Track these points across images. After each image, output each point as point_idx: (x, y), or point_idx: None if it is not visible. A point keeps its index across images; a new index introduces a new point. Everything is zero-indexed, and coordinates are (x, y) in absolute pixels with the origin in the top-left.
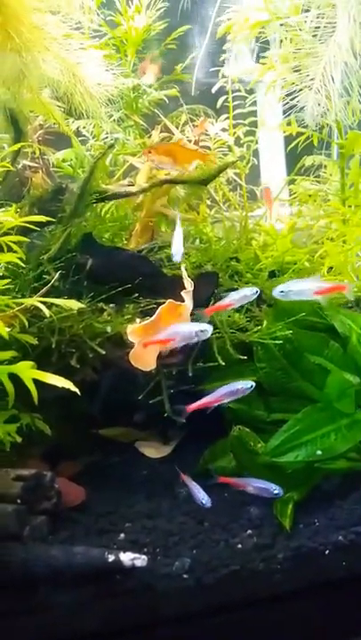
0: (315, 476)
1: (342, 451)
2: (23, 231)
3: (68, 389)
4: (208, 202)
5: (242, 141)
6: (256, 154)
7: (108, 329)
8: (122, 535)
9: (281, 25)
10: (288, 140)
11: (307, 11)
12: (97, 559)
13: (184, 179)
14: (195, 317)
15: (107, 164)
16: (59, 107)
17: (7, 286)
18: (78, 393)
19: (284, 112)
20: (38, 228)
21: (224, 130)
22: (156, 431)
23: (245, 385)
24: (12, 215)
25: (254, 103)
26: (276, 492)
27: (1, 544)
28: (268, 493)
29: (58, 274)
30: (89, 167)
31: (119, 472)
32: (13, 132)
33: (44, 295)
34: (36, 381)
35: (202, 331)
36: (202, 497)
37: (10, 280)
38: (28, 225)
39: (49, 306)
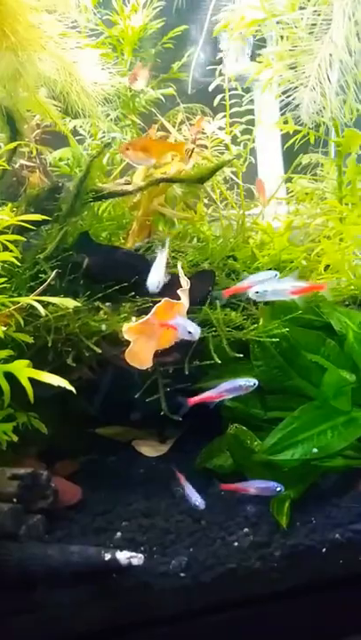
0: (312, 474)
1: (339, 449)
2: (20, 230)
3: (65, 388)
4: (205, 200)
5: (239, 140)
6: (253, 152)
7: (103, 327)
8: (118, 534)
9: (277, 23)
10: (285, 138)
11: (302, 8)
12: (93, 558)
13: (181, 177)
14: (214, 296)
15: (104, 163)
16: (55, 106)
17: (4, 285)
18: (74, 392)
19: (281, 110)
20: (35, 227)
21: (221, 128)
22: (154, 430)
23: (248, 382)
24: (8, 214)
25: (251, 102)
26: (278, 489)
27: None
28: (270, 492)
29: (54, 273)
30: (85, 166)
31: (116, 471)
32: (9, 131)
33: (41, 294)
34: (32, 380)
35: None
36: (195, 499)
37: (6, 279)
38: (24, 224)
39: (45, 305)
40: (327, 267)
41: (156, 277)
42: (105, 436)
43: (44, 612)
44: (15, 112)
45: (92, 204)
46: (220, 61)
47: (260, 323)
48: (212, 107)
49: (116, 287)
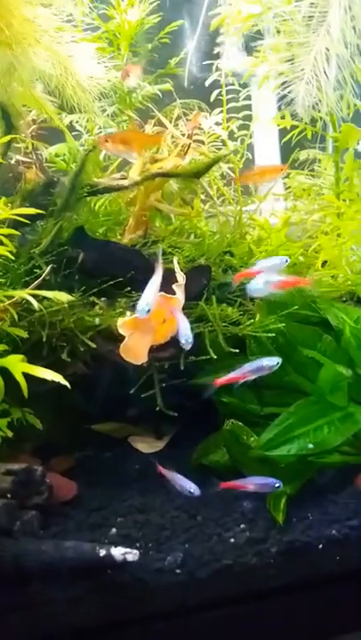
0: (308, 470)
1: (335, 444)
2: (14, 225)
3: (60, 384)
4: (202, 196)
5: (236, 135)
6: (250, 148)
7: (97, 320)
8: (114, 530)
9: (273, 16)
10: (283, 133)
11: (299, 0)
12: (88, 554)
13: (177, 172)
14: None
15: (100, 158)
16: (51, 101)
17: None
18: (68, 386)
19: (278, 105)
20: (30, 222)
21: (218, 124)
22: (150, 426)
23: (271, 362)
24: (2, 208)
25: (249, 97)
26: (277, 485)
27: None
28: (269, 488)
29: (49, 268)
30: (80, 160)
31: (112, 467)
32: (4, 125)
33: (35, 289)
34: (28, 375)
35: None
36: (188, 486)
37: (1, 274)
38: (19, 218)
39: (40, 299)
40: (325, 262)
41: (147, 299)
42: (101, 432)
43: (39, 608)
44: (10, 107)
45: (88, 199)
46: (216, 56)
47: (257, 318)
48: (210, 102)
49: (112, 282)
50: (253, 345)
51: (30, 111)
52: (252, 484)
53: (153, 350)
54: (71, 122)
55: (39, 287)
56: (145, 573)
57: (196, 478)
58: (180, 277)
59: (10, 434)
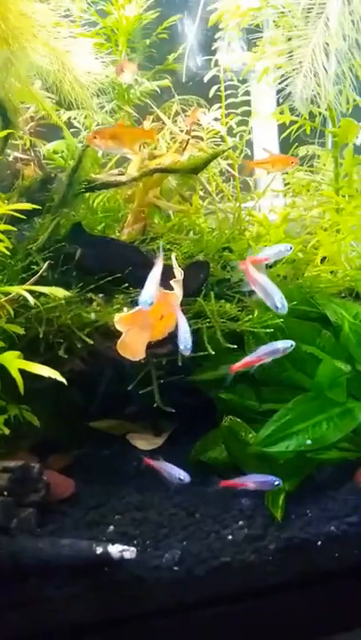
0: (307, 466)
1: (334, 440)
2: (12, 221)
3: (58, 381)
4: (201, 193)
5: (235, 131)
6: (250, 145)
7: (92, 315)
8: (111, 527)
9: (272, 9)
10: (282, 129)
11: None
12: (85, 551)
13: (175, 167)
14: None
15: (99, 155)
16: (49, 98)
17: None
18: (65, 383)
19: (277, 100)
20: (27, 218)
21: (216, 119)
22: (148, 423)
23: (286, 344)
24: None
25: (248, 92)
26: (276, 483)
27: None
28: (268, 486)
29: (46, 264)
30: (77, 156)
31: (110, 464)
32: (2, 122)
33: (33, 286)
34: (25, 372)
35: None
36: (178, 474)
37: None
38: (16, 214)
39: (37, 296)
40: (324, 259)
41: (148, 293)
42: (99, 429)
43: (36, 606)
44: (7, 103)
45: (86, 196)
46: (215, 52)
47: (255, 314)
48: (208, 98)
49: (110, 278)
50: (252, 341)
51: (28, 108)
52: (251, 481)
53: (151, 346)
54: (69, 118)
55: (36, 284)
56: (143, 571)
57: (194, 475)
58: (178, 273)
59: (7, 431)
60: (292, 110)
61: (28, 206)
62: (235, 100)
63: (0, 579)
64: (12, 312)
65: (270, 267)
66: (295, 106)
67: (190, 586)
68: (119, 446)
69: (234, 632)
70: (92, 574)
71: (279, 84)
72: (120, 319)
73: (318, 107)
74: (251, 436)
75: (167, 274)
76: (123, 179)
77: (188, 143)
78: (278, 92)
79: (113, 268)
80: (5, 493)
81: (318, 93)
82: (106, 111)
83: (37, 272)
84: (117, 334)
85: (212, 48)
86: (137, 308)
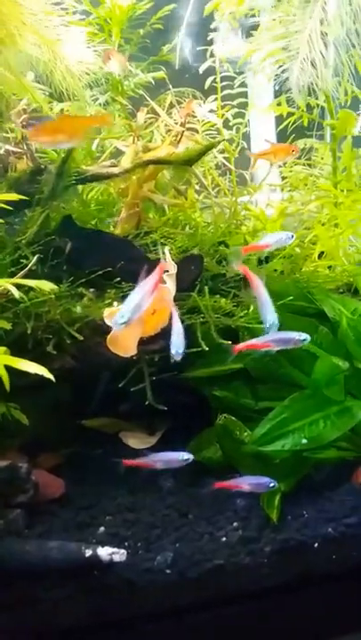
0: (304, 466)
1: (332, 439)
2: (0, 214)
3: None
4: (197, 187)
5: (231, 123)
6: (246, 138)
7: (78, 309)
8: (102, 529)
9: None
10: (279, 122)
11: None
12: (73, 554)
13: (168, 159)
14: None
15: (93, 149)
16: (42, 90)
17: None
18: (53, 380)
19: (275, 92)
20: (17, 211)
21: (212, 111)
22: (142, 421)
23: (300, 336)
24: None
25: (244, 84)
26: (271, 485)
27: None
28: (263, 488)
29: (36, 258)
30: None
31: (102, 463)
32: None
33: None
34: (13, 369)
35: None
36: (178, 456)
37: None
38: (5, 207)
39: (26, 290)
40: (321, 254)
41: (125, 309)
42: (91, 427)
43: (24, 609)
44: None
45: (80, 190)
46: (210, 42)
47: (251, 309)
48: (204, 90)
49: (100, 272)
50: (247, 337)
51: (20, 100)
52: (246, 483)
53: (142, 342)
54: (62, 110)
55: (26, 278)
56: (133, 574)
57: (188, 475)
58: (172, 267)
59: None
60: (289, 102)
61: (15, 197)
62: (231, 92)
63: None
64: None
65: (267, 261)
66: (292, 95)
67: (183, 589)
68: (111, 445)
69: (228, 637)
70: (81, 577)
71: (276, 74)
72: (110, 314)
73: (316, 97)
74: (246, 434)
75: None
76: (115, 171)
77: (182, 135)
78: (276, 78)
79: (104, 261)
80: None
81: (316, 82)
82: (100, 103)
83: (26, 266)
84: (108, 330)
85: (208, 38)
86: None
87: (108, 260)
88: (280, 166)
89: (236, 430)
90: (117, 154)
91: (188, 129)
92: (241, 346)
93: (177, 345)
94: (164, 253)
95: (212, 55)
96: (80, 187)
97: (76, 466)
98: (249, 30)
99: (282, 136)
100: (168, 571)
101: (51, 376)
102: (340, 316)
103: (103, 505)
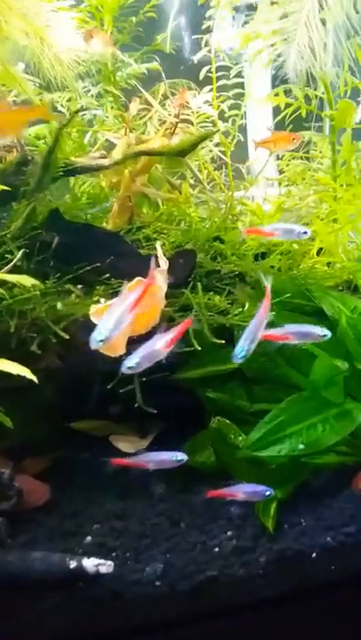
0: (301, 471)
1: (331, 444)
2: None
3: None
4: (191, 181)
5: (227, 115)
6: (243, 130)
7: (59, 305)
8: (89, 538)
9: None
10: (276, 114)
11: None
12: (57, 565)
13: (161, 150)
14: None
15: (85, 142)
16: (32, 81)
17: None
18: (36, 381)
19: (272, 82)
20: (2, 203)
21: (207, 102)
22: (133, 423)
23: (322, 331)
24: None
25: (241, 75)
26: (267, 493)
27: None
28: (259, 496)
29: (21, 253)
30: (54, 135)
31: (90, 468)
32: None
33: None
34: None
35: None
36: (171, 456)
37: None
38: None
39: (10, 287)
40: (320, 250)
41: (103, 326)
42: (80, 430)
43: (7, 622)
44: None
45: (71, 185)
46: (206, 31)
47: (246, 307)
48: (199, 81)
49: (89, 267)
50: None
51: (10, 91)
52: (241, 492)
53: (132, 341)
54: (53, 101)
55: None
56: (121, 586)
57: (181, 480)
58: (163, 262)
59: None
60: (287, 94)
61: None
62: (227, 83)
63: None
64: None
65: (263, 257)
66: (290, 84)
67: (173, 602)
68: (101, 449)
69: None
70: (66, 590)
71: (273, 59)
72: (97, 311)
73: (315, 88)
74: (241, 438)
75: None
76: (105, 162)
77: (176, 126)
78: (273, 65)
79: (93, 257)
80: None
81: (314, 66)
82: (92, 95)
83: (10, 261)
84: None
85: (203, 27)
86: (115, 298)
87: (97, 256)
88: (278, 158)
89: (230, 434)
90: (112, 148)
91: (183, 121)
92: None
93: (131, 358)
94: (155, 249)
95: (207, 44)
96: (72, 180)
97: (63, 470)
98: (246, 15)
99: (279, 129)
100: (158, 583)
101: (33, 377)
102: (340, 314)
103: (91, 512)
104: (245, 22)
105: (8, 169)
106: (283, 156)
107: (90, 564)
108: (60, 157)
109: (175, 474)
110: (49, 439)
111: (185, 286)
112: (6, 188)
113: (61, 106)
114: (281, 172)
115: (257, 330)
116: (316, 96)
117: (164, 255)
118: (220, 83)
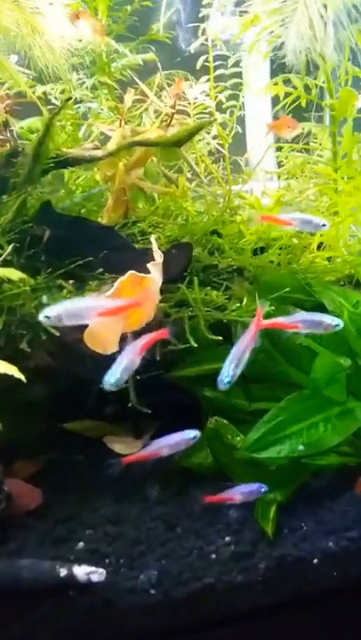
0: (302, 473)
1: (332, 444)
2: None
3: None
4: (189, 175)
5: (224, 106)
6: (241, 121)
7: (44, 299)
8: (81, 544)
9: None
10: (275, 104)
11: None
12: (47, 573)
13: (155, 141)
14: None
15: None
16: (25, 74)
17: None
18: (24, 380)
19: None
20: None
21: (204, 92)
22: (128, 424)
23: (333, 321)
24: None
25: (239, 64)
26: (263, 490)
27: None
28: (256, 494)
29: (11, 247)
30: (44, 125)
31: (83, 471)
32: None
33: None
34: None
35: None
36: (183, 436)
37: None
38: None
39: None
40: (321, 244)
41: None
42: (73, 431)
43: None
44: None
45: (66, 179)
46: (202, 20)
47: (244, 302)
48: (196, 71)
49: (81, 262)
50: (240, 332)
51: (3, 84)
52: (238, 494)
53: (125, 338)
54: (45, 94)
55: None
56: (114, 594)
57: (177, 483)
58: (158, 256)
59: None
60: (286, 84)
61: None
62: (225, 72)
63: None
64: None
65: (262, 251)
66: (288, 64)
67: (168, 611)
68: (95, 450)
69: None
70: (56, 599)
71: (272, 42)
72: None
73: (315, 77)
74: (238, 439)
75: (147, 258)
76: (98, 153)
77: (172, 117)
78: (272, 50)
79: (86, 251)
80: None
81: (314, 47)
82: (87, 87)
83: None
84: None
85: (200, 15)
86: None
87: (90, 250)
88: (277, 150)
89: (227, 434)
90: (107, 141)
91: (180, 112)
92: (266, 323)
93: (111, 374)
94: (150, 242)
95: (204, 34)
96: (66, 174)
97: (55, 473)
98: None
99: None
100: (152, 591)
101: (21, 376)
102: (342, 309)
103: (83, 517)
104: (242, 12)
105: None
106: (281, 148)
107: (81, 572)
108: (51, 148)
109: (171, 476)
110: (40, 440)
111: (181, 281)
112: None
113: (55, 98)
114: (280, 164)
115: (243, 353)
116: (317, 85)
117: (159, 249)
118: (218, 72)
